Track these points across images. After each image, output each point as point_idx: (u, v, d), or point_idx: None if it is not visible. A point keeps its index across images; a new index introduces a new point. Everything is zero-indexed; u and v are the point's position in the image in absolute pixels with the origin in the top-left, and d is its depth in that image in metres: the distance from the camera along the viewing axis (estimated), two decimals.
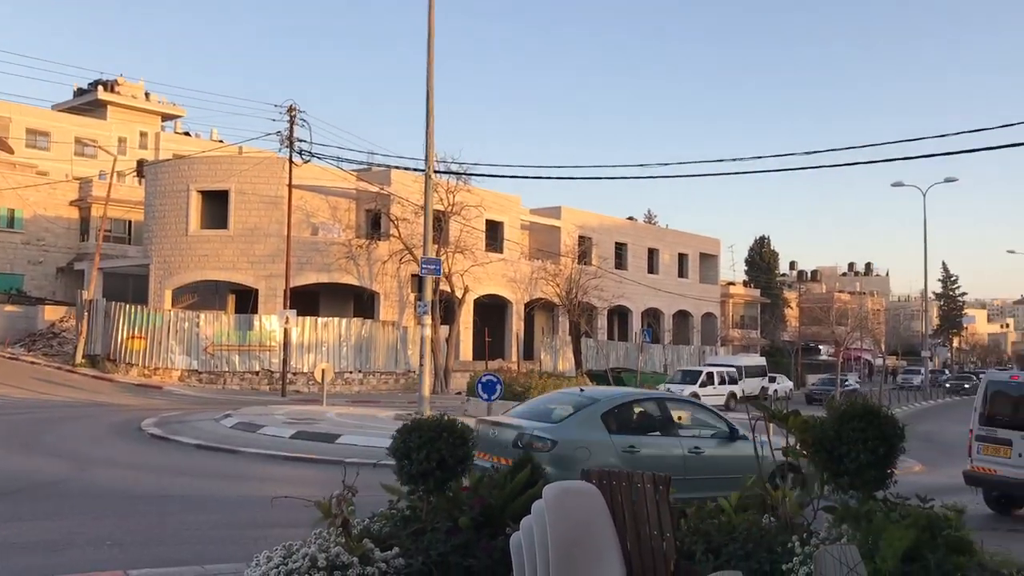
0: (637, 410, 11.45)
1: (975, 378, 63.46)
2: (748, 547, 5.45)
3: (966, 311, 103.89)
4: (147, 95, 71.12)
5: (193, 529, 9.65)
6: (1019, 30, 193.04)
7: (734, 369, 43.61)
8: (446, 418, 6.03)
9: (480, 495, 5.90)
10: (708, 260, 65.50)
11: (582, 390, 11.81)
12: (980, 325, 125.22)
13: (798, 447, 5.84)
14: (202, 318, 36.11)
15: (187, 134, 72.08)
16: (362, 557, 5.15)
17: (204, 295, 40.87)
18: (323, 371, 27.64)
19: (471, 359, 42.63)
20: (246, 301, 38.63)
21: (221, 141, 62.44)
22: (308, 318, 37.23)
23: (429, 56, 20.97)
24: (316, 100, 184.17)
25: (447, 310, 39.61)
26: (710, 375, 40.18)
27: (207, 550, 8.36)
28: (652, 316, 58.27)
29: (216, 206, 38.88)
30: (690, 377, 39.47)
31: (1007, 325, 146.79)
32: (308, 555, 5.06)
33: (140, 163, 58.04)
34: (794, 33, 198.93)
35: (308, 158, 33.16)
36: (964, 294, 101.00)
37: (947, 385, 63.23)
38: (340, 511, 5.33)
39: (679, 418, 11.80)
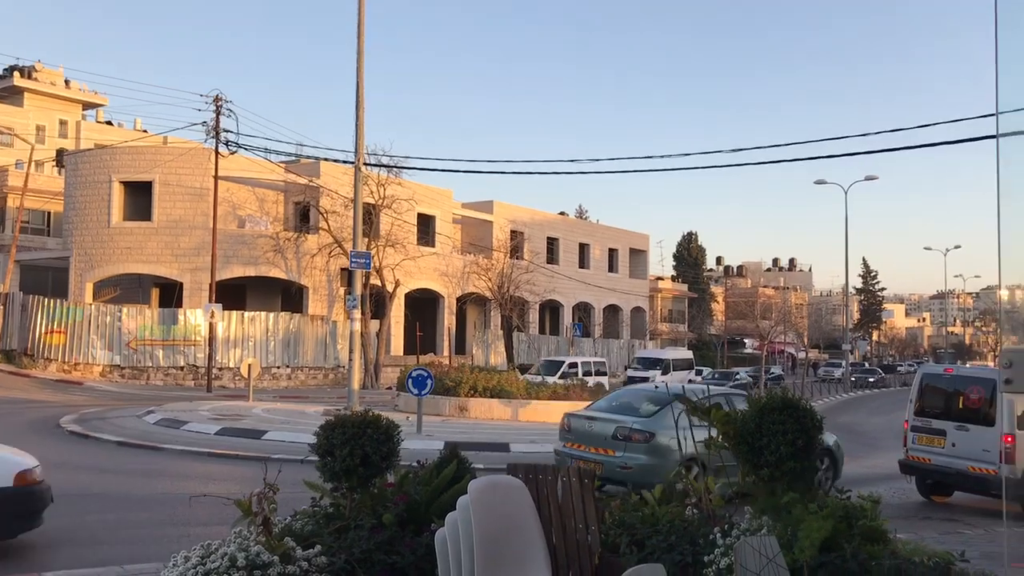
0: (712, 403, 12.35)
1: (880, 372, 64.94)
2: (671, 539, 5.52)
3: (885, 306, 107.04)
4: (67, 83, 68.90)
5: (113, 528, 9.39)
6: (935, 33, 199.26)
7: (603, 361, 42.54)
8: (371, 414, 5.96)
9: (405, 491, 5.84)
10: (638, 255, 66.25)
11: (656, 387, 13.09)
12: (898, 319, 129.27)
13: (720, 439, 5.92)
14: (125, 312, 35.21)
15: (110, 123, 70.09)
16: (283, 556, 5.06)
17: (127, 289, 39.83)
18: (249, 366, 27.19)
19: (402, 354, 42.41)
20: (170, 295, 37.76)
21: (145, 131, 60.91)
22: (234, 312, 36.59)
23: (359, 47, 20.76)
24: (244, 90, 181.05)
25: (378, 304, 39.30)
26: (572, 365, 37.98)
27: (126, 550, 8.14)
28: (583, 310, 58.74)
29: (139, 197, 37.88)
30: (552, 368, 36.68)
31: (924, 319, 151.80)
32: (227, 554, 4.95)
33: (60, 152, 56.17)
34: (724, 31, 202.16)
35: (235, 149, 32.56)
36: (883, 289, 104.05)
37: (852, 379, 59.72)
38: (261, 509, 5.22)
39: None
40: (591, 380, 33.37)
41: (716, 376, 43.26)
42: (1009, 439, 12.60)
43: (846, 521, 5.24)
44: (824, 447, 14.95)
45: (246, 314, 37.28)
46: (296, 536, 5.42)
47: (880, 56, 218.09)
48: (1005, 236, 3.24)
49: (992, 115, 3.37)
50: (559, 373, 34.95)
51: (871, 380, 58.92)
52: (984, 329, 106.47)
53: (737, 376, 43.41)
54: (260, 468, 5.75)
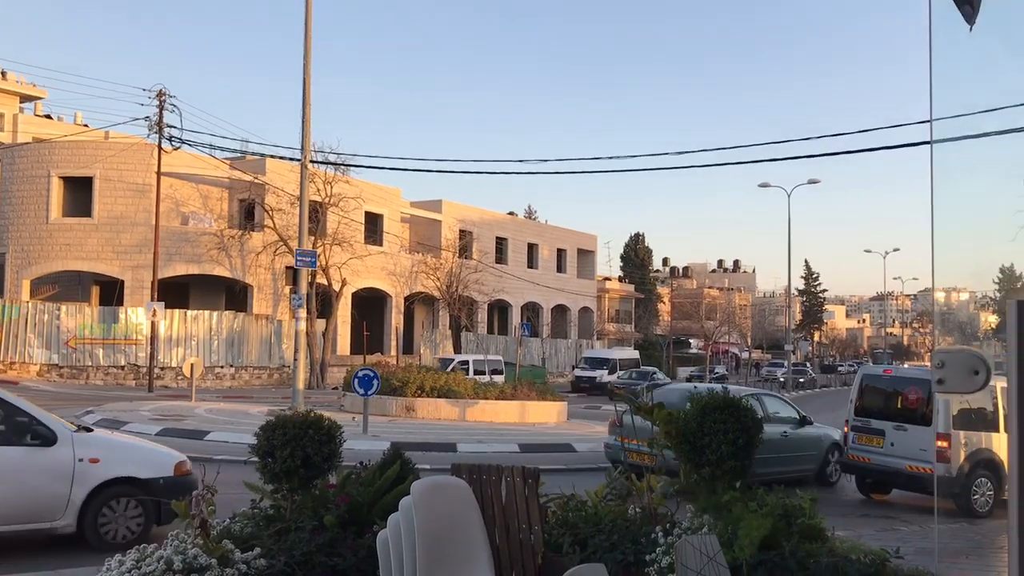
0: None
1: (810, 372, 65.34)
2: (614, 538, 5.54)
3: (826, 307, 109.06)
4: (3, 74, 67.08)
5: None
6: (878, 39, 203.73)
7: (499, 359, 42.07)
8: (312, 415, 5.89)
9: (347, 493, 5.78)
10: (586, 256, 66.59)
11: (696, 387, 14.00)
12: (839, 320, 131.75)
13: (662, 438, 5.96)
14: (63, 310, 34.39)
15: (49, 117, 68.34)
16: (221, 558, 4.97)
17: (66, 286, 38.91)
18: (192, 365, 26.75)
19: (349, 353, 42.08)
20: (111, 293, 36.97)
21: (86, 125, 59.48)
22: (177, 311, 35.95)
23: (306, 43, 20.55)
24: (188, 86, 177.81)
25: (324, 303, 38.94)
26: (463, 363, 37.20)
27: (60, 554, 7.94)
28: (531, 310, 58.86)
29: (79, 193, 37.03)
30: (443, 366, 35.14)
31: (864, 320, 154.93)
32: (163, 558, 4.85)
33: None
34: (671, 35, 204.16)
35: (179, 145, 31.99)
36: (825, 291, 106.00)
37: (781, 380, 56.76)
38: (199, 511, 5.13)
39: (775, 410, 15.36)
40: (483, 379, 32.08)
41: (633, 376, 43.58)
42: (944, 439, 12.92)
43: (785, 519, 5.31)
44: (833, 441, 15.68)
45: (189, 313, 36.65)
46: (235, 538, 5.34)
47: (825, 61, 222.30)
48: (939, 240, 3.30)
49: (927, 121, 3.44)
50: (448, 369, 33.71)
51: (801, 380, 58.43)
52: (922, 330, 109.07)
53: (654, 375, 43.81)
54: (201, 470, 5.66)
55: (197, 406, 24.42)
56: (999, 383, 2.74)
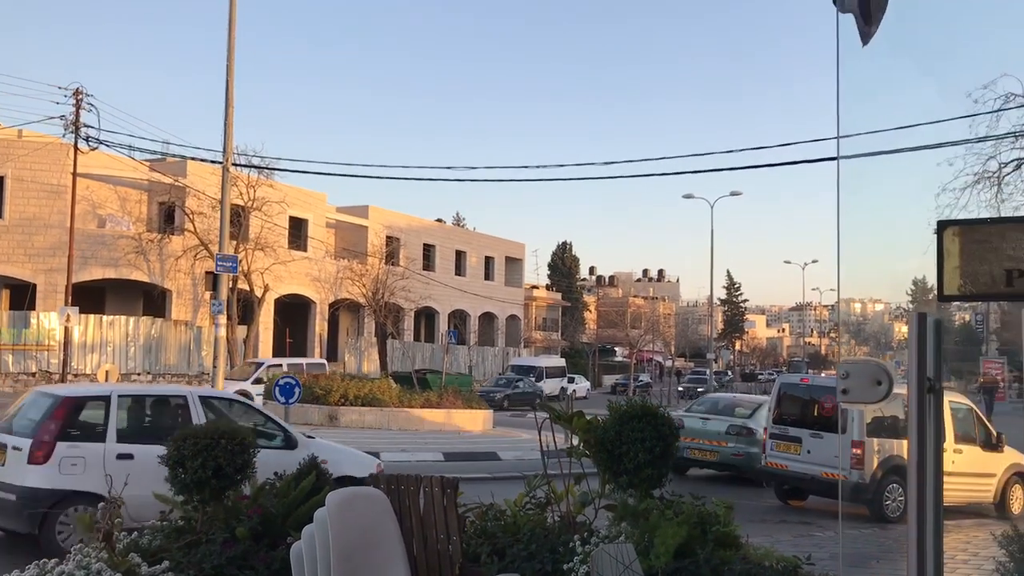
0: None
1: (706, 380, 64.06)
2: (532, 548, 5.53)
3: (747, 317, 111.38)
4: None
5: None
6: (795, 56, 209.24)
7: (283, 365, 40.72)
8: (225, 424, 5.75)
9: (260, 504, 5.66)
10: (513, 264, 66.77)
11: (734, 396, 16.86)
12: (760, 330, 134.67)
13: (582, 447, 5.98)
14: None
15: None
16: (127, 572, 4.82)
17: None
18: (107, 372, 25.95)
19: None
20: (22, 297, 35.64)
21: None
22: (92, 316, 34.84)
23: (230, 41, 20.20)
24: (107, 85, 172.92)
25: (246, 309, 38.22)
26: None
27: None
28: (459, 318, 58.73)
29: None
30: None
31: (783, 330, 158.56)
32: (64, 573, 4.67)
33: None
34: (602, 48, 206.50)
35: (96, 145, 31.03)
36: (746, 301, 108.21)
37: (679, 388, 54.85)
38: (104, 524, 4.96)
39: None
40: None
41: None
42: (858, 446, 13.27)
43: (700, 527, 5.37)
44: None
45: (105, 318, 35.56)
46: (143, 551, 5.18)
47: (749, 75, 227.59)
48: (844, 254, 3.39)
49: (835, 138, 3.53)
50: (251, 379, 32.28)
51: (700, 390, 51.97)
52: (838, 340, 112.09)
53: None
54: (108, 481, 5.46)
55: None
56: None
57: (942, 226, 2.84)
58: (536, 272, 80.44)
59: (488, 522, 5.99)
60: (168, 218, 39.90)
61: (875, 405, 12.63)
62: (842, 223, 3.29)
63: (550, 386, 47.41)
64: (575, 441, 6.12)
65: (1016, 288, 2.72)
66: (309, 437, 10.35)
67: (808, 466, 14.01)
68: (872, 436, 13.29)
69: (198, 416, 9.00)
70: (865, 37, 3.23)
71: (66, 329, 31.44)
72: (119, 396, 8.92)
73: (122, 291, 39.31)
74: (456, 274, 59.10)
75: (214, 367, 20.22)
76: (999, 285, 2.74)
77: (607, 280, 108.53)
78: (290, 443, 9.58)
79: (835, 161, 3.73)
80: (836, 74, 3.20)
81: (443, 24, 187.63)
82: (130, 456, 8.43)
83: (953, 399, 14.51)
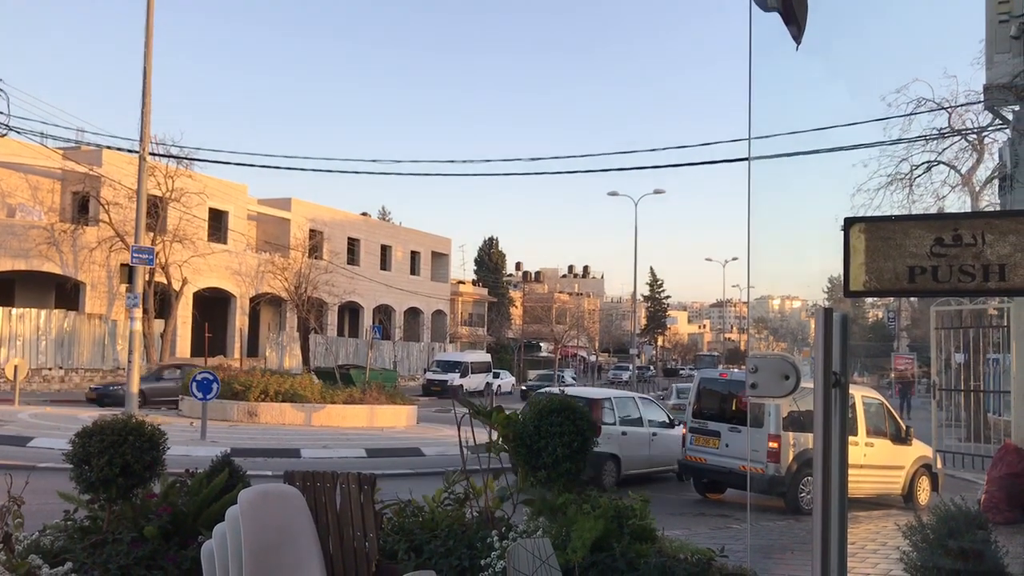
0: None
1: (623, 376, 63.70)
2: (449, 544, 5.50)
3: (670, 313, 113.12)
4: None
5: None
6: (720, 58, 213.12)
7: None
8: (134, 420, 5.56)
9: (170, 502, 5.50)
10: (440, 258, 66.55)
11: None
12: (682, 325, 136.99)
13: (501, 442, 5.97)
14: None
15: None
16: (26, 574, 4.63)
17: None
18: (16, 367, 25.08)
19: (189, 356, 40.41)
20: None
21: None
22: (1, 309, 33.59)
23: (148, 26, 19.63)
24: (17, 68, 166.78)
25: (163, 303, 37.30)
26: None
27: None
28: (384, 313, 58.29)
29: None
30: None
31: (704, 326, 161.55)
32: None
33: None
34: (535, 43, 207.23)
35: (5, 132, 29.85)
36: (668, 297, 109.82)
37: (625, 380, 55.43)
38: (2, 524, 4.76)
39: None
40: None
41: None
42: (775, 440, 13.58)
43: (617, 521, 5.41)
44: None
45: (14, 311, 34.29)
46: (44, 553, 4.99)
47: (673, 71, 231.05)
48: (755, 251, 3.45)
49: (750, 139, 3.58)
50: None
51: (643, 381, 56.53)
52: (757, 336, 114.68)
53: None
54: (22, 479, 5.24)
55: (21, 410, 22.88)
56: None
57: (849, 223, 2.90)
58: (463, 267, 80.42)
59: (406, 518, 5.94)
60: (82, 208, 38.67)
61: (787, 399, 12.96)
62: (753, 221, 3.35)
63: (475, 381, 47.40)
64: (495, 436, 6.10)
65: (918, 284, 2.79)
66: None
67: (726, 459, 14.28)
68: (788, 430, 13.62)
69: None
70: (797, 38, 3.28)
71: None
72: None
73: (33, 283, 37.96)
74: (381, 268, 58.64)
75: (129, 362, 19.65)
76: (902, 281, 2.81)
77: (533, 276, 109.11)
78: (672, 424, 14.30)
79: (746, 162, 3.79)
80: (748, 75, 3.24)
81: (370, 13, 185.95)
82: None
83: (865, 394, 14.95)
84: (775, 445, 13.54)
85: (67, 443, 5.65)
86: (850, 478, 2.82)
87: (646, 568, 5.08)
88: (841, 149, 18.65)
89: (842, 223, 2.93)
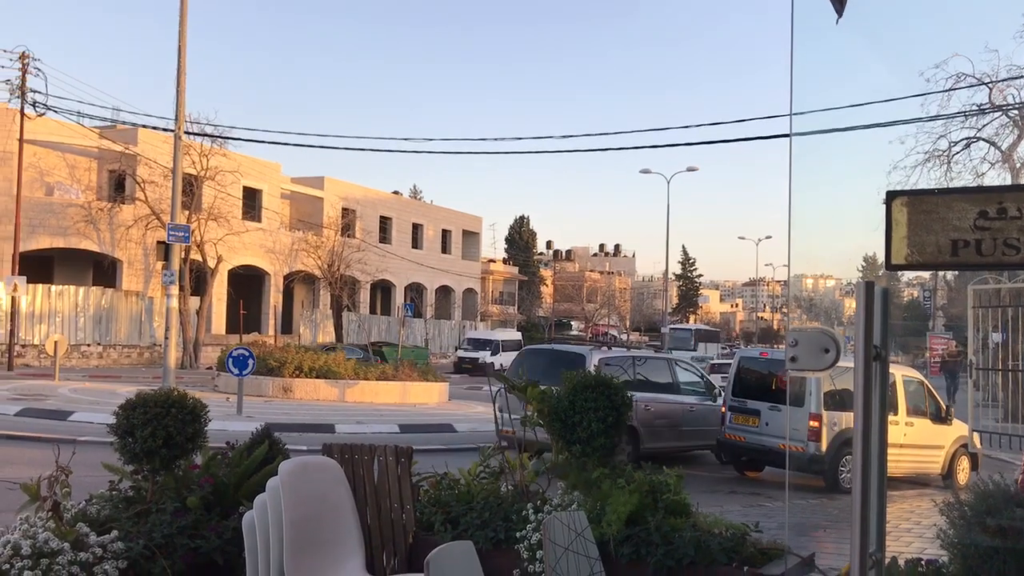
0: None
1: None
2: (485, 516, 5.56)
3: (702, 291, 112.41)
4: None
5: None
6: (754, 36, 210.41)
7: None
8: (176, 393, 5.67)
9: (212, 473, 5.61)
10: (470, 237, 66.63)
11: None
12: (714, 304, 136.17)
13: (536, 417, 6.01)
14: None
15: None
16: (75, 542, 4.75)
17: None
18: (56, 343, 25.54)
19: (224, 333, 40.93)
20: None
21: None
22: (41, 286, 34.16)
23: (182, 7, 19.76)
24: (56, 50, 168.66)
25: (199, 280, 37.73)
26: None
27: None
28: (415, 291, 58.54)
29: None
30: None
31: (736, 305, 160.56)
32: (10, 543, 4.59)
33: None
34: (562, 20, 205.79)
35: (43, 111, 30.35)
36: (700, 276, 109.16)
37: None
38: (51, 493, 4.88)
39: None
40: None
41: None
42: (815, 419, 13.53)
43: (651, 495, 5.43)
44: None
45: (53, 288, 34.87)
46: (91, 521, 5.11)
47: (709, 50, 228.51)
48: (796, 228, 3.43)
49: (788, 115, 3.56)
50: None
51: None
52: (791, 315, 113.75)
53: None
54: (64, 452, 5.37)
55: (61, 385, 23.34)
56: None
57: (891, 196, 2.88)
58: (493, 246, 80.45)
59: (442, 491, 6.01)
60: (118, 187, 39.14)
61: (826, 378, 12.84)
62: (794, 199, 3.33)
63: (506, 359, 47.57)
64: (529, 411, 6.15)
65: (961, 258, 2.77)
66: None
67: (766, 438, 14.25)
68: (829, 409, 13.57)
69: None
70: (839, 10, 3.26)
71: (13, 299, 30.82)
72: None
73: (71, 261, 38.57)
74: (413, 247, 58.84)
75: (166, 338, 19.95)
76: (945, 255, 2.79)
77: (564, 254, 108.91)
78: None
79: (788, 138, 3.76)
80: (791, 51, 3.22)
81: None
82: None
83: (905, 373, 14.85)
84: (816, 424, 13.49)
85: (111, 415, 5.77)
86: (890, 457, 2.81)
87: (680, 542, 5.11)
88: (878, 126, 18.40)
89: (884, 197, 2.92)
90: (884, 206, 2.91)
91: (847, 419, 13.46)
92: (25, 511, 4.99)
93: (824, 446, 13.49)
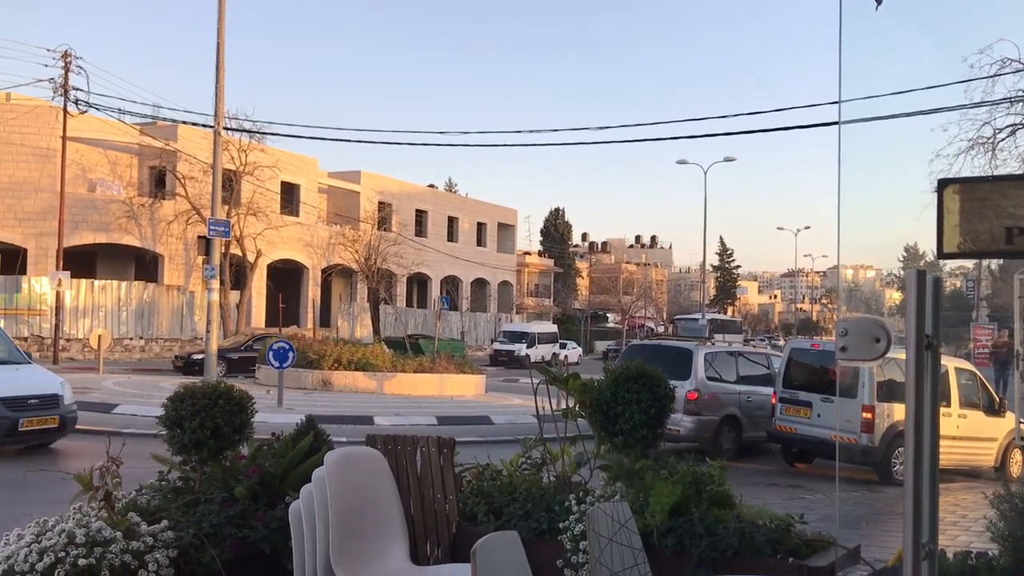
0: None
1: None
2: (528, 507, 5.57)
3: (740, 283, 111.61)
4: None
5: None
6: (796, 21, 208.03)
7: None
8: (223, 384, 5.75)
9: (258, 464, 5.69)
10: (506, 229, 66.68)
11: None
12: (752, 296, 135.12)
13: (577, 408, 6.01)
14: None
15: None
16: (126, 531, 4.84)
17: None
18: (100, 337, 26.00)
19: (264, 326, 41.36)
20: (13, 262, 35.51)
21: None
22: (84, 280, 34.81)
23: (220, 4, 19.96)
24: (96, 47, 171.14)
25: (238, 274, 38.18)
26: None
27: None
28: (451, 284, 58.75)
29: None
30: None
31: (775, 296, 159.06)
32: (65, 531, 4.69)
33: None
34: (595, 10, 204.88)
35: (85, 109, 30.84)
36: (738, 267, 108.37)
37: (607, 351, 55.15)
38: (103, 483, 4.97)
39: None
40: None
41: None
42: (868, 411, 13.40)
43: (695, 487, 5.41)
44: None
45: (96, 283, 35.50)
46: (141, 511, 5.20)
47: (749, 40, 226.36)
48: (846, 219, 3.40)
49: (835, 103, 3.52)
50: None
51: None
52: (830, 306, 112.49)
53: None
54: (106, 441, 5.47)
55: (105, 378, 23.76)
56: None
57: (942, 184, 2.84)
58: (528, 238, 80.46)
59: (484, 482, 6.03)
60: (159, 182, 39.70)
61: (876, 369, 12.65)
62: (843, 188, 3.30)
63: (542, 352, 47.58)
64: (570, 403, 6.15)
65: (1016, 245, 2.73)
66: None
67: (817, 429, 14.15)
68: (882, 400, 13.43)
69: None
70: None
71: (58, 294, 31.41)
72: None
73: (114, 256, 39.21)
74: (448, 240, 59.02)
75: (207, 332, 20.23)
76: (999, 242, 2.76)
77: (600, 246, 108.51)
78: None
79: (836, 126, 3.72)
80: (839, 39, 3.19)
81: None
82: None
83: (958, 365, 14.67)
84: (869, 415, 13.36)
85: (158, 407, 5.87)
86: (942, 449, 2.78)
87: (724, 533, 5.09)
88: (920, 113, 18.12)
89: (927, 186, 2.89)
90: (926, 195, 2.89)
91: (899, 411, 13.30)
92: (78, 501, 5.09)
93: (877, 438, 13.36)
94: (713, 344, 17.51)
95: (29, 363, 13.60)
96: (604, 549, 4.61)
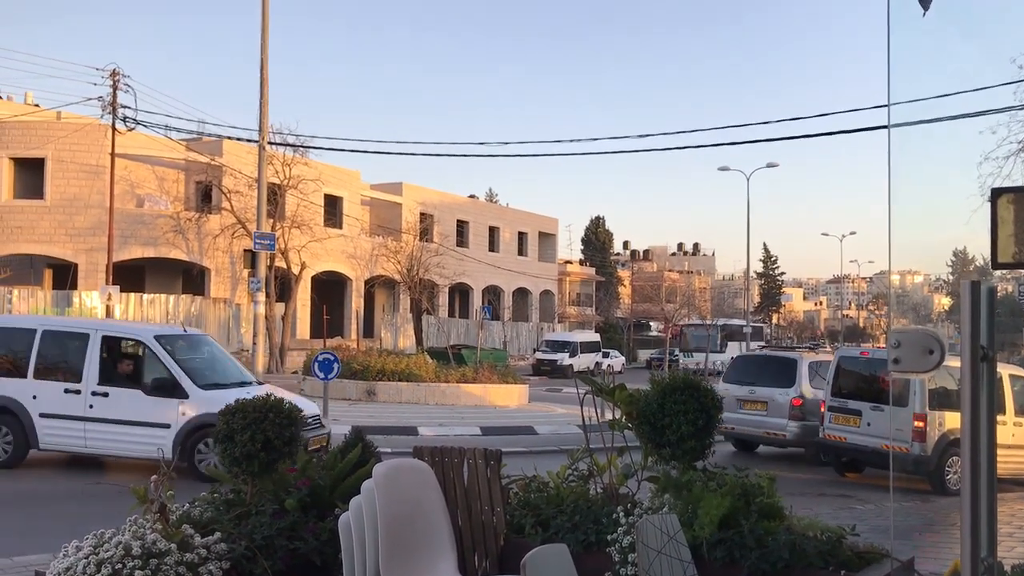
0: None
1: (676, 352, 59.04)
2: (575, 519, 5.57)
3: (784, 290, 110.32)
4: None
5: (2, 521, 9.00)
6: (836, 26, 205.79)
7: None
8: (273, 398, 5.83)
9: (308, 476, 5.75)
10: (547, 239, 66.66)
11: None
12: (797, 303, 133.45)
13: (623, 420, 6.00)
14: (15, 294, 33.64)
15: None
16: (181, 543, 4.93)
17: (18, 270, 38.01)
18: None
19: (308, 337, 41.77)
20: (64, 277, 36.28)
21: (37, 105, 58.04)
22: (133, 294, 35.39)
23: (264, 22, 20.28)
24: (143, 66, 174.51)
25: (283, 287, 38.58)
26: None
27: (17, 542, 7.81)
28: (492, 293, 58.84)
29: (31, 174, 36.21)
30: None
31: (820, 303, 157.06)
32: (121, 543, 4.79)
33: None
34: (634, 21, 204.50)
35: (133, 126, 31.45)
36: (783, 274, 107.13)
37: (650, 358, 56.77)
38: (157, 496, 5.07)
39: None
40: None
41: None
42: (920, 419, 13.18)
43: (744, 498, 5.37)
44: None
45: (145, 296, 36.10)
46: (195, 523, 5.29)
47: (787, 45, 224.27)
48: (895, 224, 3.37)
49: (885, 106, 3.49)
50: None
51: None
52: (877, 312, 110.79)
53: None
54: (160, 454, 5.58)
55: None
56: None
57: (996, 193, 2.81)
58: (570, 247, 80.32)
59: (531, 494, 6.04)
60: (205, 197, 40.31)
61: (928, 377, 12.46)
62: (893, 192, 3.27)
63: (585, 361, 47.42)
64: (616, 414, 6.14)
65: None
66: None
67: (868, 438, 13.96)
68: (934, 409, 13.21)
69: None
70: (925, 3, 3.20)
71: (107, 308, 31.98)
72: None
73: (161, 270, 39.85)
74: (490, 250, 59.15)
75: (253, 344, 20.49)
76: None
77: (642, 254, 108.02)
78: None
79: (885, 130, 3.69)
80: (887, 43, 3.16)
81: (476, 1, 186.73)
82: None
83: (1013, 372, 14.38)
84: (921, 424, 13.15)
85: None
86: (998, 457, 2.74)
87: (775, 545, 5.05)
88: (967, 116, 17.80)
89: (977, 195, 2.86)
90: (975, 199, 2.85)
91: (951, 419, 13.06)
92: (134, 513, 5.19)
93: (930, 447, 13.14)
94: (817, 353, 18.41)
95: (261, 384, 13.86)
96: (653, 561, 4.60)
